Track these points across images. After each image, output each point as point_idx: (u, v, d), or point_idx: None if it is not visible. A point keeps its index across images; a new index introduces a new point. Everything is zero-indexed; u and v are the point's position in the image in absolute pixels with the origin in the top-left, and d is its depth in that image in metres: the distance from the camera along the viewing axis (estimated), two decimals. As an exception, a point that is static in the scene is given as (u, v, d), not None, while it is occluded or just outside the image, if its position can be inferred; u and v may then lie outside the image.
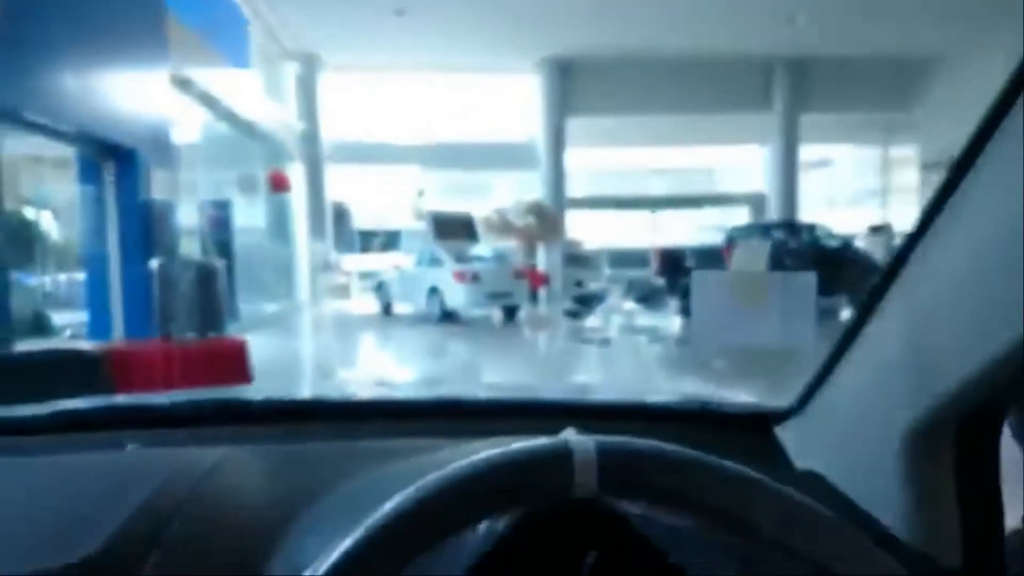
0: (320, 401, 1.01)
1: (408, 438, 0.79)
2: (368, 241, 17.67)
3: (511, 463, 0.38)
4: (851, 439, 0.69)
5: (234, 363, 4.60)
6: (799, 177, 17.27)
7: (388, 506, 0.37)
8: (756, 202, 18.92)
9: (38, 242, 8.76)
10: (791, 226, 12.78)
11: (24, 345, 4.75)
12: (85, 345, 5.19)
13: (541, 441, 0.39)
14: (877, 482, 0.63)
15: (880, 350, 0.64)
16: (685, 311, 8.70)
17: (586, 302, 11.84)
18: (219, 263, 5.36)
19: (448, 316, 11.17)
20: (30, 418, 0.87)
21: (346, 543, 0.36)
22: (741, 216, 19.40)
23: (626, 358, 7.70)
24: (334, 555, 0.35)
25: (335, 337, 10.73)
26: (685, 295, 8.52)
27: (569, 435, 0.40)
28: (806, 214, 15.90)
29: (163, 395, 1.01)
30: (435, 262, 11.72)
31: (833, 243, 11.53)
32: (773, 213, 16.64)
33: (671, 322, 9.02)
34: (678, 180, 22.02)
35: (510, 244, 14.03)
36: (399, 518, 0.36)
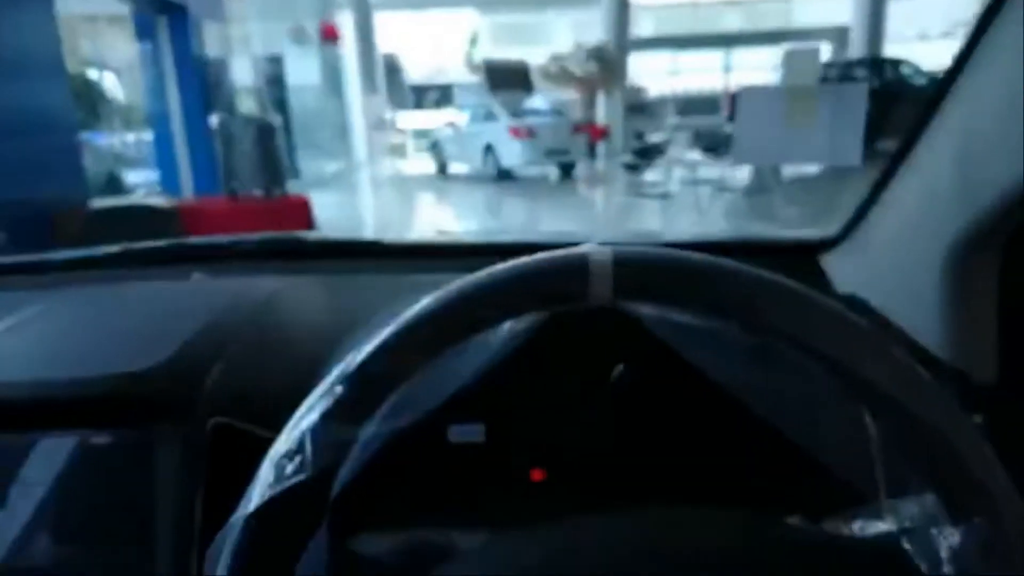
0: (373, 241, 1.04)
1: (454, 273, 0.82)
2: (421, 97, 17.25)
3: (527, 269, 0.39)
4: (895, 262, 0.68)
5: (298, 219, 4.76)
6: (887, 7, 15.53)
7: (414, 308, 0.39)
8: (838, 36, 17.23)
9: (103, 102, 8.94)
10: (874, 62, 11.70)
11: (100, 204, 5.01)
12: (158, 201, 5.43)
13: (559, 251, 0.40)
14: (918, 305, 0.63)
15: (928, 171, 0.62)
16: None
17: (646, 154, 11.42)
18: (276, 119, 5.37)
19: (504, 175, 11.05)
20: (104, 255, 0.94)
21: (377, 338, 0.38)
22: (822, 53, 17.76)
23: (685, 211, 7.53)
24: (366, 349, 0.38)
25: (394, 196, 10.85)
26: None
27: (589, 247, 0.40)
28: (893, 48, 14.47)
29: (226, 236, 1.06)
30: (490, 117, 11.42)
31: (921, 81, 10.57)
32: (856, 49, 15.21)
33: (739, 172, 8.67)
34: (753, 14, 20.14)
35: (568, 96, 13.44)
36: (423, 317, 0.38)
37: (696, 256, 0.39)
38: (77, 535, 0.52)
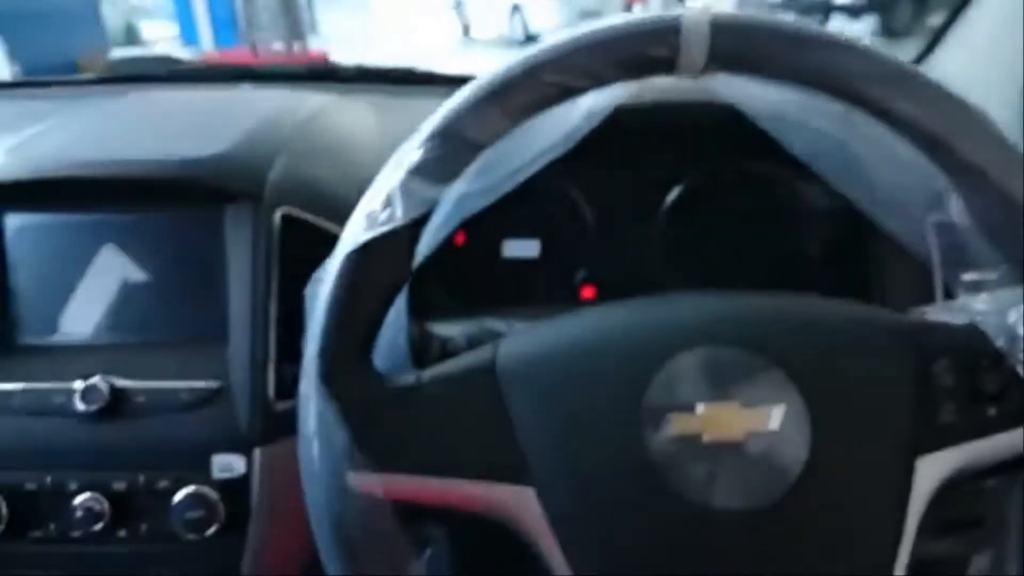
0: (409, 69, 1.01)
1: None
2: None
3: (615, 31, 0.37)
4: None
5: (321, 75, 4.62)
6: None
7: (495, 70, 0.37)
8: None
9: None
10: None
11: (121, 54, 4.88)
12: (178, 53, 5.28)
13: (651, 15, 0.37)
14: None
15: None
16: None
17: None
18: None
19: (531, 40, 10.47)
20: (146, 73, 0.92)
21: (461, 97, 0.37)
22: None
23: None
24: (451, 106, 0.37)
25: (416, 61, 10.38)
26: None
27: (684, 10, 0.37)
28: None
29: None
30: (518, -30, 10.68)
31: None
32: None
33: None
34: None
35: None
36: (505, 79, 0.37)
37: (801, 24, 0.37)
38: (155, 312, 0.55)
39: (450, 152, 0.36)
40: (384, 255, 0.36)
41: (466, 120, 0.36)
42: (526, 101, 0.37)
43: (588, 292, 0.70)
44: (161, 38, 7.24)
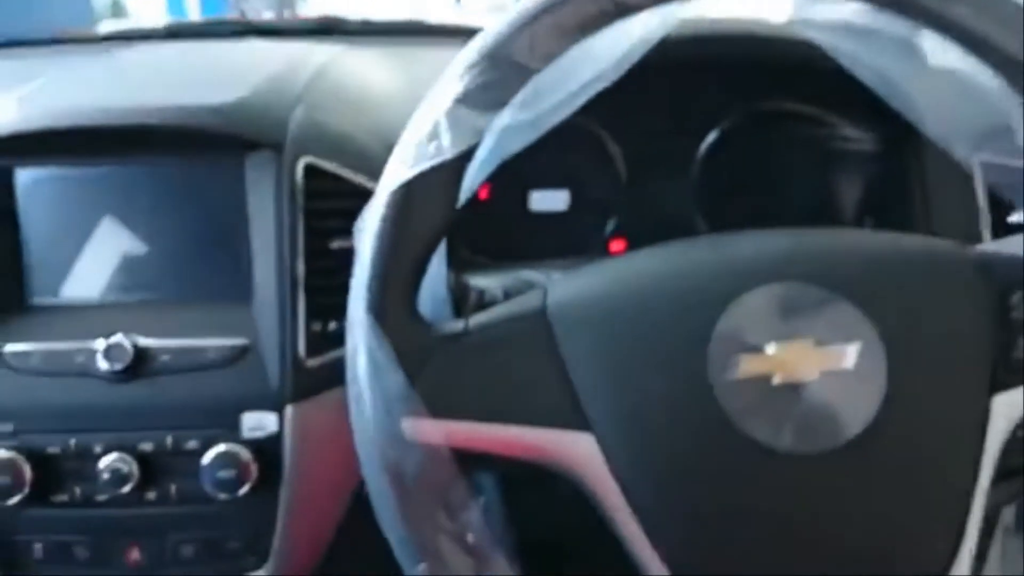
0: (418, 21, 0.97)
1: None
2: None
3: None
4: None
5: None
6: None
7: None
8: None
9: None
10: None
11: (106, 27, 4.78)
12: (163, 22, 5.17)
13: None
14: None
15: None
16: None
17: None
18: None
19: None
20: (146, 30, 0.89)
21: (512, 16, 0.35)
22: None
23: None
24: (500, 25, 0.35)
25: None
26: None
27: None
28: None
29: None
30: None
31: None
32: None
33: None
34: None
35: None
36: None
37: None
38: (175, 269, 0.53)
39: (499, 77, 0.34)
40: (431, 190, 0.34)
41: (516, 42, 0.34)
42: (580, 19, 0.34)
43: (618, 245, 0.68)
44: (147, 11, 7.08)
